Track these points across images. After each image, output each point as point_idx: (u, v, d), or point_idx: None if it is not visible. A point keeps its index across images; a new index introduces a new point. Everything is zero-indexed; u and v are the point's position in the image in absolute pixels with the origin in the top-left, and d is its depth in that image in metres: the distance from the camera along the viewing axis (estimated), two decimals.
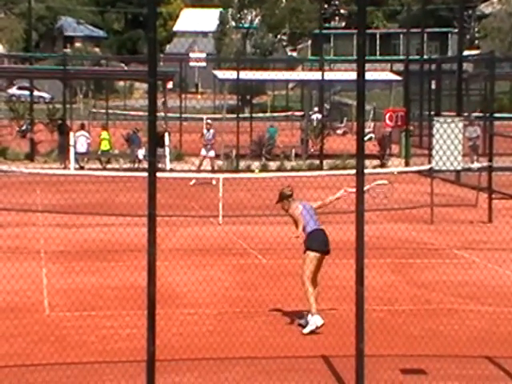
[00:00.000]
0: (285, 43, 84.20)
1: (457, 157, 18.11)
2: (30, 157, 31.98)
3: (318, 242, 10.68)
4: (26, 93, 45.07)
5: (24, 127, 40.39)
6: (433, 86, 35.46)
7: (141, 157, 30.17)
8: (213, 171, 27.13)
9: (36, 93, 45.63)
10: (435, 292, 12.59)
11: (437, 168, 18.68)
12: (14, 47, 76.44)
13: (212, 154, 27.48)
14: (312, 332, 10.38)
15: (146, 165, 11.89)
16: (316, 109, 40.01)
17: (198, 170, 26.97)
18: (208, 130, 27.50)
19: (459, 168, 19.26)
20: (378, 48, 75.47)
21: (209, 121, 29.15)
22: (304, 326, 10.53)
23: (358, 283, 7.48)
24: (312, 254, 10.65)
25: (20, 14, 78.46)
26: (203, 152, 27.22)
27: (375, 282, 12.25)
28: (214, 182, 24.31)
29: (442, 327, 10.81)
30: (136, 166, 30.55)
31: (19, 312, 11.31)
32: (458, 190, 24.34)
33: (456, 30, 60.33)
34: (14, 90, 64.52)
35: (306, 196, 21.30)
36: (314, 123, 36.80)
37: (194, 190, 22.96)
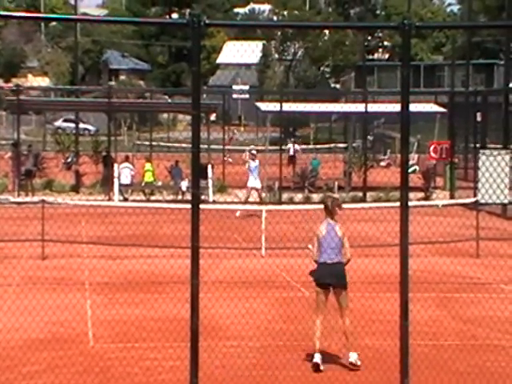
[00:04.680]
0: (328, 75, 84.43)
1: (503, 190, 17.90)
2: (76, 189, 32.36)
3: (319, 273, 10.29)
4: (72, 125, 45.87)
5: (69, 159, 40.95)
6: (478, 119, 35.18)
7: (184, 188, 30.35)
8: (261, 203, 27.07)
9: (81, 125, 46.39)
10: (481, 327, 12.39)
11: (483, 201, 18.46)
12: (61, 80, 77.81)
13: (258, 185, 27.47)
14: (314, 368, 10.10)
15: (189, 196, 11.94)
16: (358, 141, 40.05)
17: (246, 202, 26.96)
18: (253, 160, 27.53)
19: (506, 201, 19.02)
20: (422, 80, 75.24)
21: (254, 151, 29.19)
22: (354, 364, 10.28)
23: (402, 317, 7.40)
24: (316, 290, 10.42)
25: (66, 47, 79.94)
26: (250, 184, 27.11)
27: (420, 317, 12.10)
28: (237, 214, 24.32)
29: (488, 363, 10.62)
30: (179, 197, 30.73)
31: (64, 343, 11.38)
32: (505, 224, 24.03)
33: (502, 62, 59.95)
34: (60, 123, 65.57)
35: (349, 228, 21.24)
36: (356, 151, 36.85)
37: (237, 222, 22.98)
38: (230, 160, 47.31)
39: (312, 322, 10.54)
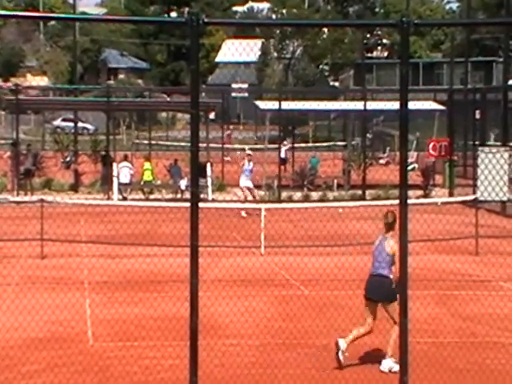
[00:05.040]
0: (327, 73, 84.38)
1: (502, 187, 17.91)
2: (74, 188, 32.34)
3: (366, 285, 10.48)
4: (71, 124, 45.78)
5: (68, 158, 40.91)
6: (477, 116, 35.17)
7: (183, 187, 30.34)
8: (256, 201, 27.11)
9: (80, 124, 46.30)
10: (481, 325, 12.39)
11: (482, 199, 18.47)
12: (60, 79, 77.77)
13: (251, 184, 27.53)
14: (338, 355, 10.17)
15: (188, 195, 11.92)
16: (357, 139, 40.05)
17: (245, 201, 26.98)
18: (249, 161, 27.56)
19: (505, 199, 19.03)
20: (421, 78, 75.21)
21: (249, 152, 29.23)
22: (382, 371, 10.18)
23: (401, 315, 7.40)
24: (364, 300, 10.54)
25: (65, 46, 79.92)
26: (242, 183, 27.17)
27: (419, 314, 12.10)
28: (244, 214, 24.38)
29: (488, 361, 10.62)
30: (178, 196, 30.73)
31: (63, 342, 11.38)
32: (504, 221, 24.03)
33: (501, 59, 59.93)
34: (58, 122, 65.54)
35: (348, 226, 21.24)
36: (355, 149, 36.84)
37: (235, 220, 22.98)
38: (229, 159, 47.32)
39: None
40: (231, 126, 62.53)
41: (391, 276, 10.20)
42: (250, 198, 27.22)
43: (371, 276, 10.44)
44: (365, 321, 10.39)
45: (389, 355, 10.13)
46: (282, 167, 35.23)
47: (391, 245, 10.17)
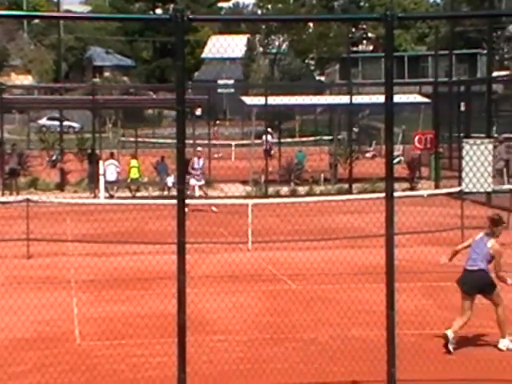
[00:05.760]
0: (313, 68, 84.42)
1: (487, 179, 17.97)
2: (60, 186, 32.23)
3: (460, 278, 11.01)
4: (56, 123, 45.60)
5: (54, 157, 40.78)
6: (462, 108, 35.28)
7: (170, 184, 30.30)
8: (207, 197, 27.12)
9: (66, 123, 46.18)
10: None
11: (467, 190, 18.54)
12: (44, 78, 77.42)
13: (202, 182, 27.52)
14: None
15: (175, 192, 11.90)
16: (344, 133, 40.09)
17: (207, 196, 27.00)
18: (199, 158, 27.51)
19: (489, 190, 19.10)
20: (406, 71, 75.30)
21: (199, 148, 29.22)
22: (500, 349, 10.77)
23: (388, 307, 7.43)
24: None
25: (50, 45, 79.59)
26: (192, 182, 27.01)
27: (406, 306, 12.13)
28: (214, 209, 24.35)
29: (475, 351, 10.67)
30: (165, 193, 30.68)
31: (50, 342, 11.35)
32: (489, 212, 24.05)
33: (485, 52, 60.12)
34: (44, 121, 65.26)
35: (335, 220, 21.25)
36: (341, 143, 36.90)
37: (222, 216, 22.97)
38: (220, 155, 47.30)
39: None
40: (218, 122, 62.50)
41: (487, 270, 10.87)
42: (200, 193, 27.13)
43: (467, 271, 10.96)
44: (464, 312, 10.84)
45: (505, 334, 10.78)
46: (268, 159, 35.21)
47: (493, 243, 10.88)
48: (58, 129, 38.41)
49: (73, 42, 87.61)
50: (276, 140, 40.27)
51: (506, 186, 23.42)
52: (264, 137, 36.16)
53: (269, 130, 40.12)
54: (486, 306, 11.33)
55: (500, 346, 10.85)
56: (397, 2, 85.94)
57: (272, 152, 38.67)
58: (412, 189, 30.27)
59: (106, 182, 30.36)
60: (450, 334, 10.66)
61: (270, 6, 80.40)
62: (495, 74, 32.09)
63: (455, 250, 11.40)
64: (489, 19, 31.65)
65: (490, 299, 11.00)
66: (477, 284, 10.88)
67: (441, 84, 36.36)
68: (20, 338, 11.54)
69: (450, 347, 10.61)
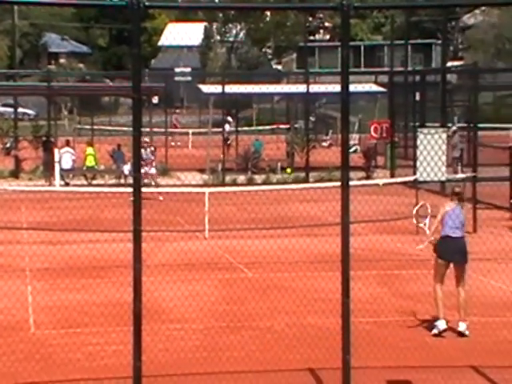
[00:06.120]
0: (270, 56, 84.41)
1: (441, 167, 18.17)
2: (15, 174, 31.87)
3: (443, 248, 11.01)
4: (10, 110, 45.02)
5: (8, 144, 40.28)
6: (417, 98, 35.61)
7: (126, 172, 30.13)
8: (157, 186, 27.06)
9: (20, 110, 45.58)
10: (421, 303, 12.59)
11: (421, 179, 18.73)
12: None
13: (153, 170, 27.47)
14: (436, 335, 10.76)
15: (131, 180, 11.87)
16: (300, 122, 40.22)
17: (158, 185, 26.94)
18: (145, 148, 27.44)
19: (443, 179, 19.32)
20: (362, 60, 75.71)
21: (146, 139, 29.13)
22: (462, 333, 10.87)
23: (343, 295, 7.49)
24: (438, 261, 11.09)
25: (3, 30, 78.33)
26: (143, 170, 26.91)
27: (361, 294, 12.25)
28: (161, 198, 24.28)
29: (427, 338, 10.82)
30: (122, 181, 30.51)
31: (4, 330, 11.24)
32: (443, 201, 24.30)
33: (440, 42, 60.71)
34: None
35: (291, 209, 21.34)
36: (298, 132, 37.04)
37: (179, 204, 22.94)
38: (178, 143, 47.13)
39: (432, 288, 11.16)
40: (177, 111, 62.25)
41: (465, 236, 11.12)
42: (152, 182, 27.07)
43: (449, 238, 11.03)
44: (443, 282, 11.01)
45: (465, 317, 10.90)
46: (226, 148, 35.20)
47: (464, 212, 11.23)
48: (13, 116, 37.94)
49: (28, 28, 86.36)
50: (234, 129, 40.25)
51: (460, 175, 23.71)
52: (225, 126, 36.08)
53: (228, 118, 40.13)
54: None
55: (462, 329, 10.90)
56: None
57: (229, 141, 38.66)
58: (368, 178, 30.50)
59: (62, 170, 30.08)
60: (441, 324, 10.81)
61: None
62: (450, 64, 32.39)
63: (433, 230, 11.40)
64: (444, 10, 31.94)
65: (462, 270, 11.06)
66: (463, 251, 11.06)
67: (396, 74, 36.67)
68: None
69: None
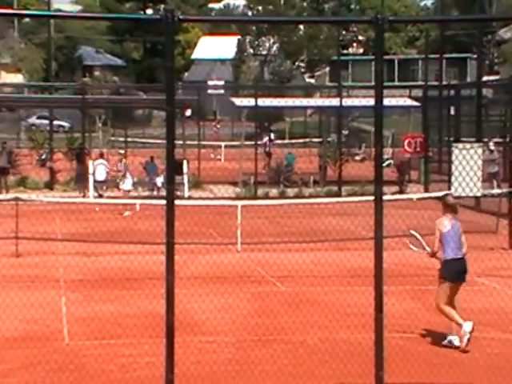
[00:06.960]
0: (303, 70, 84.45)
1: (476, 183, 18.04)
2: (50, 185, 32.17)
3: (452, 272, 10.80)
4: (46, 122, 45.48)
5: (43, 156, 40.67)
6: (451, 112, 35.40)
7: (159, 184, 30.29)
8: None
9: (55, 122, 46.01)
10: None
11: (456, 194, 18.57)
12: (34, 77, 77.17)
13: (127, 187, 27.38)
14: (468, 340, 10.65)
15: (164, 192, 11.93)
16: (333, 135, 40.19)
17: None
18: (120, 161, 27.41)
19: (479, 194, 19.17)
20: (396, 74, 75.49)
21: (121, 151, 29.14)
22: (449, 346, 10.78)
23: (376, 310, 7.44)
24: (446, 284, 10.83)
25: (40, 43, 79.28)
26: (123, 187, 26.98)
27: (394, 310, 12.17)
28: (126, 213, 24.06)
29: (462, 355, 10.71)
30: (155, 193, 30.67)
31: (38, 341, 11.32)
32: (478, 216, 24.18)
33: (475, 56, 60.28)
34: (33, 120, 65.04)
35: (324, 222, 21.26)
36: (331, 145, 37.02)
37: (211, 217, 22.98)
38: (218, 156, 47.31)
39: (437, 310, 11.02)
40: (219, 124, 62.58)
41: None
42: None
43: (457, 260, 10.83)
44: (453, 304, 10.84)
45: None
46: (267, 160, 35.31)
47: (459, 224, 10.83)
48: (48, 128, 38.33)
49: (63, 41, 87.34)
50: (276, 141, 40.37)
51: (495, 191, 23.50)
52: (264, 138, 36.14)
53: (271, 134, 40.23)
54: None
55: (446, 341, 10.82)
56: (387, 5, 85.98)
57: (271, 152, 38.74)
58: (401, 192, 30.34)
59: (95, 182, 30.31)
60: (467, 326, 10.65)
61: (260, 8, 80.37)
62: (485, 78, 32.20)
63: (434, 250, 11.09)
64: (479, 23, 31.79)
65: (460, 288, 10.95)
66: (466, 269, 10.95)
67: (431, 87, 36.51)
68: (8, 336, 11.52)
69: (465, 341, 10.67)
